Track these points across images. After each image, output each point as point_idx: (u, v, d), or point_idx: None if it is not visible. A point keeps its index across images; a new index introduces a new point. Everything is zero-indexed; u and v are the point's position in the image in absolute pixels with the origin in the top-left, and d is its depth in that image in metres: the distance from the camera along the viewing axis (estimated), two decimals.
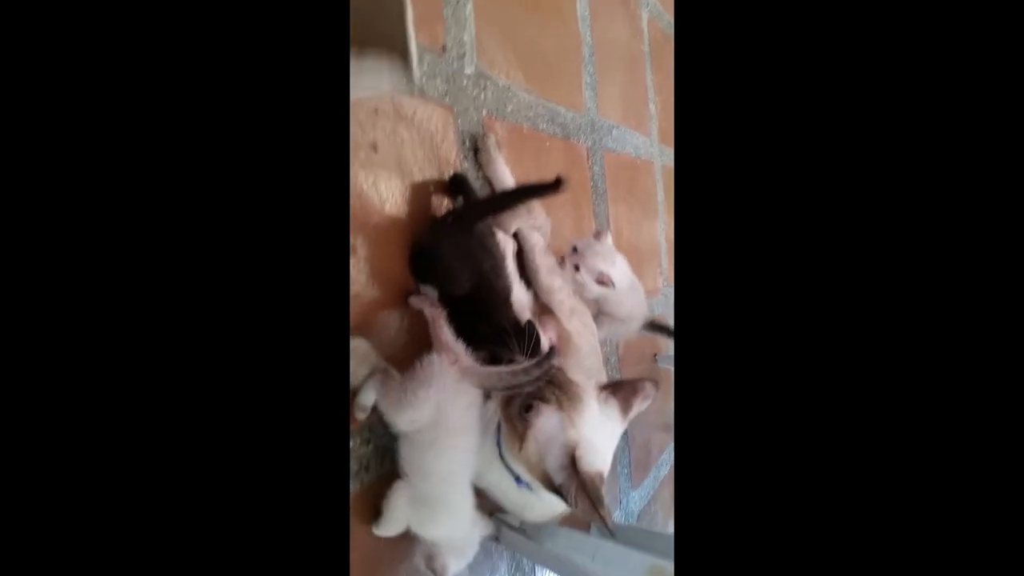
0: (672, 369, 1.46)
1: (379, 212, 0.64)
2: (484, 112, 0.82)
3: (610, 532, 0.52)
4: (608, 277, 0.83)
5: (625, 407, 0.61)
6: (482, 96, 0.82)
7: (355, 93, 0.38)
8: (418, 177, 0.69)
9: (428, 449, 0.56)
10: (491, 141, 0.77)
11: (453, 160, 0.75)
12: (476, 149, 0.78)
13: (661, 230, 1.50)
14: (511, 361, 0.59)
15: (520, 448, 0.54)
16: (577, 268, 0.83)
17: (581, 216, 1.08)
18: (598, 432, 0.56)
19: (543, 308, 0.80)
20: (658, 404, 1.42)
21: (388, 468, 0.63)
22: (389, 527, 0.59)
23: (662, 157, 1.52)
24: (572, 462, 0.52)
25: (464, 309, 0.67)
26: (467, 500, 0.61)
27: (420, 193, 0.69)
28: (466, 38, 0.80)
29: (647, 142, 1.44)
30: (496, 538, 0.80)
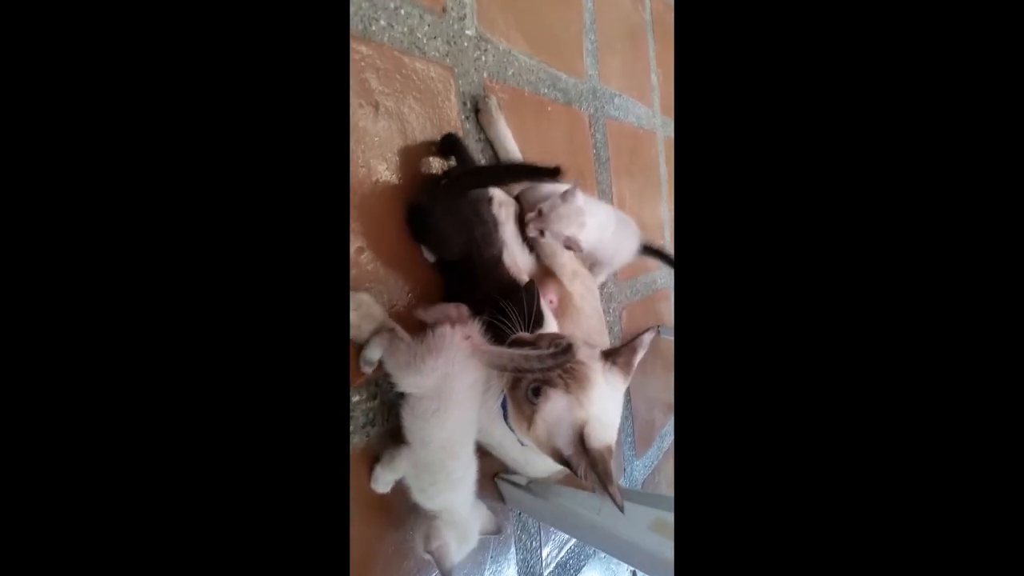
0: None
1: (380, 170, 0.64)
2: (485, 74, 0.81)
3: (619, 508, 0.53)
4: (575, 241, 0.77)
5: (627, 368, 0.61)
6: (483, 59, 0.81)
7: None
8: (419, 136, 0.69)
9: (429, 418, 0.56)
10: (493, 102, 0.77)
11: (454, 119, 0.75)
12: (477, 110, 0.78)
13: (664, 202, 1.49)
14: (510, 329, 0.60)
15: (528, 428, 0.55)
16: (542, 233, 0.77)
17: (585, 186, 1.07)
18: (605, 407, 0.56)
19: (545, 270, 0.80)
20: (661, 377, 1.44)
21: (395, 423, 0.64)
22: (380, 484, 0.61)
23: (664, 129, 1.51)
24: (581, 440, 0.53)
25: (456, 275, 0.68)
26: (469, 469, 0.62)
27: (421, 151, 0.69)
28: (467, 0, 0.79)
29: (649, 113, 1.43)
30: (502, 499, 0.81)
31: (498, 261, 0.69)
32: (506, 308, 0.61)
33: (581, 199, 0.77)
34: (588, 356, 0.57)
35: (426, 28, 0.72)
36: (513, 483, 0.79)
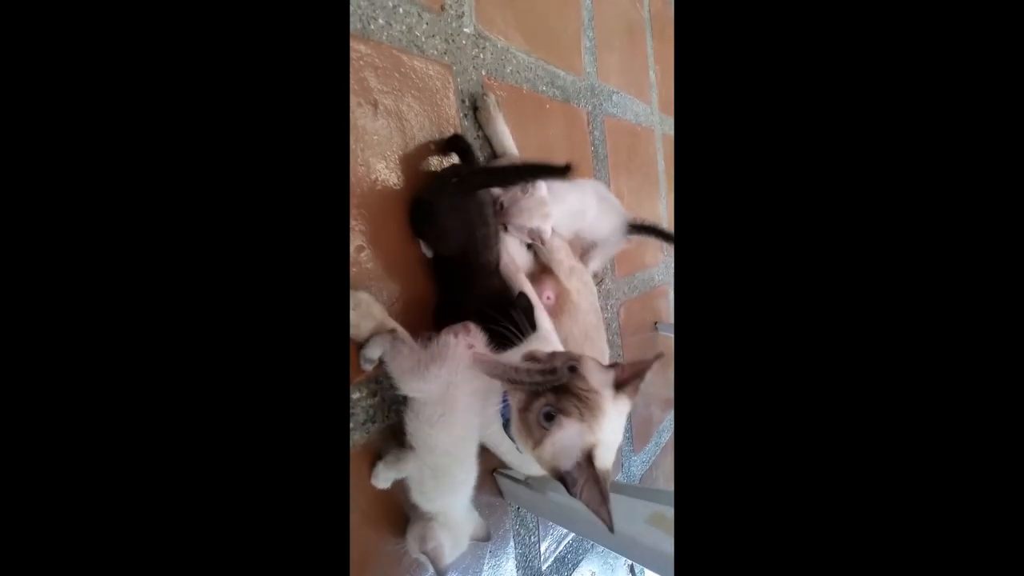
0: (673, 336, 1.47)
1: (379, 168, 0.65)
2: (483, 72, 0.82)
3: (609, 528, 0.54)
4: (538, 232, 0.74)
5: (634, 393, 0.62)
6: (481, 56, 0.82)
7: None
8: (418, 134, 0.70)
9: (435, 423, 0.57)
10: (491, 100, 0.77)
11: (453, 117, 0.75)
12: (475, 108, 0.78)
13: (663, 199, 1.50)
14: (509, 333, 0.61)
15: (534, 447, 0.55)
16: (505, 228, 0.75)
17: None
18: (613, 431, 0.58)
19: (543, 267, 0.81)
20: (659, 373, 1.44)
21: (394, 420, 0.65)
22: (380, 480, 0.62)
23: (663, 126, 1.51)
24: (588, 460, 0.54)
25: (450, 277, 0.69)
26: (471, 473, 0.63)
27: (420, 149, 0.70)
28: None
29: (647, 110, 1.43)
30: (500, 494, 0.82)
31: (494, 268, 0.69)
32: (500, 318, 0.62)
33: (544, 189, 0.74)
34: (601, 383, 0.58)
35: (424, 26, 0.72)
36: (511, 478, 0.80)
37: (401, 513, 0.65)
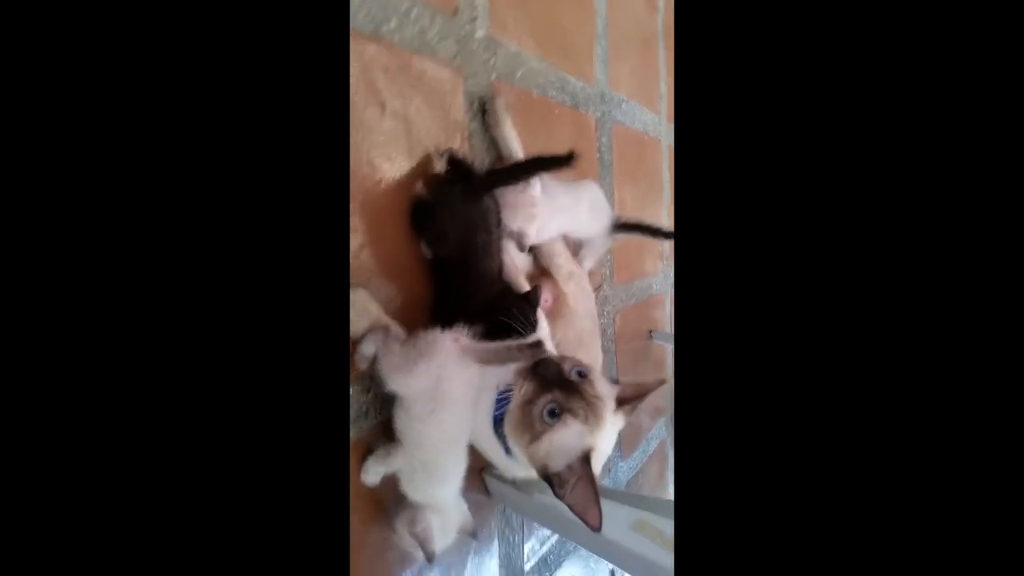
0: (667, 345, 1.48)
1: (384, 168, 0.66)
2: (493, 76, 0.83)
3: (596, 529, 0.56)
4: (518, 235, 0.74)
5: (630, 413, 0.65)
6: (492, 60, 0.83)
7: None
8: (424, 136, 0.71)
9: (426, 419, 0.58)
10: (500, 103, 0.78)
11: (461, 120, 0.76)
12: (484, 110, 0.79)
13: (665, 209, 1.51)
14: (517, 325, 0.62)
15: (530, 442, 0.56)
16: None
17: None
18: (605, 443, 0.60)
19: (542, 270, 0.82)
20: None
21: (387, 416, 0.66)
22: (370, 475, 0.63)
23: (670, 136, 1.52)
24: (585, 461, 0.55)
25: (451, 283, 0.69)
26: (460, 465, 0.64)
27: (426, 151, 0.71)
28: (478, 2, 0.80)
29: (656, 120, 1.44)
30: (488, 493, 0.83)
31: (496, 275, 0.70)
32: (503, 317, 0.63)
33: (537, 188, 0.73)
34: (607, 395, 0.60)
35: (437, 29, 0.73)
36: (499, 478, 0.81)
37: (389, 508, 0.66)
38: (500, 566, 0.87)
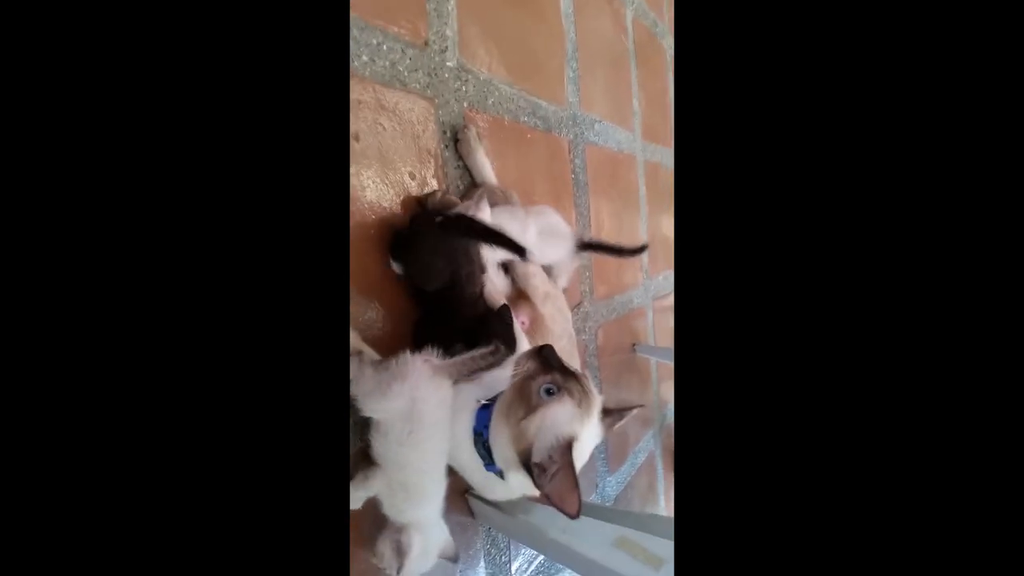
0: (651, 358, 1.50)
1: (360, 199, 0.67)
2: (465, 104, 0.85)
3: (572, 515, 0.57)
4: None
5: (608, 430, 0.67)
6: (463, 88, 0.85)
7: None
8: (398, 165, 0.72)
9: (403, 443, 0.59)
10: (472, 132, 0.80)
11: (434, 148, 0.78)
12: (456, 139, 0.81)
13: (643, 224, 1.54)
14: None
15: (523, 417, 0.58)
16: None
17: (562, 208, 1.11)
18: (588, 439, 0.61)
19: (520, 292, 0.83)
20: (636, 392, 1.47)
21: (366, 442, 0.66)
22: (352, 501, 0.63)
23: (645, 152, 1.56)
24: (568, 449, 0.57)
25: (433, 309, 0.71)
26: (441, 485, 0.65)
27: (399, 181, 0.72)
28: (448, 32, 0.82)
29: (630, 137, 1.47)
30: (472, 515, 0.83)
31: (479, 297, 0.72)
32: (484, 337, 0.65)
33: (487, 215, 0.73)
34: (597, 396, 0.63)
35: (408, 61, 0.75)
36: (483, 499, 0.81)
37: (370, 534, 0.66)
38: None
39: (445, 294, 0.69)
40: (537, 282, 0.84)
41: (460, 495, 0.81)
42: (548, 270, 0.93)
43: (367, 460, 0.64)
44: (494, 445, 0.63)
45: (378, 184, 0.69)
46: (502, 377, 0.64)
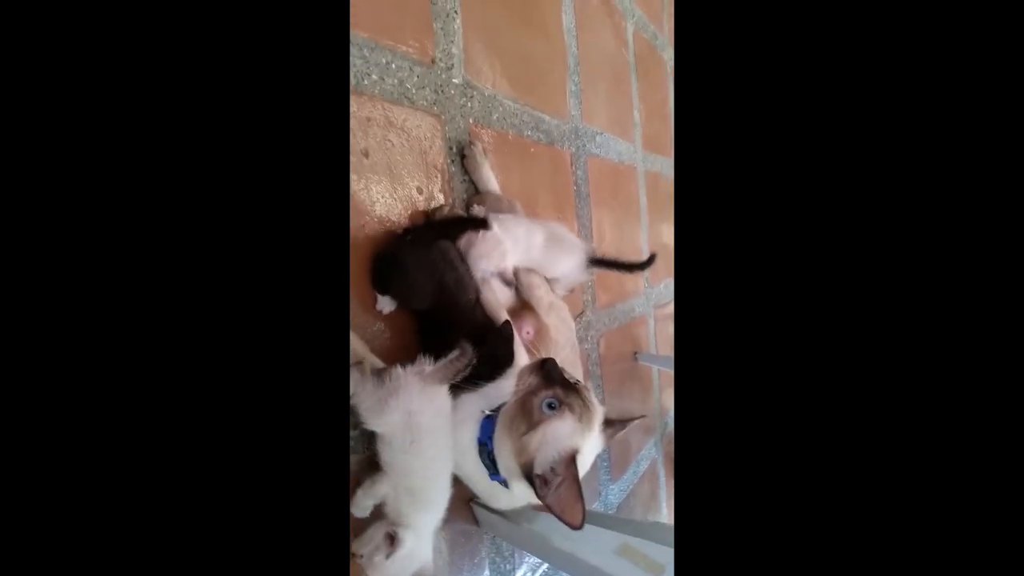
0: (653, 367, 1.51)
1: (369, 213, 0.69)
2: (471, 120, 0.87)
3: (576, 526, 0.58)
4: (505, 273, 0.79)
5: (609, 440, 0.69)
6: (469, 105, 0.87)
7: None
8: (407, 181, 0.74)
9: (407, 451, 0.61)
10: (477, 148, 0.82)
11: (440, 164, 0.80)
12: (463, 155, 0.83)
13: (644, 233, 1.55)
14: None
15: (525, 432, 0.60)
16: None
17: (564, 219, 1.13)
18: (589, 452, 0.63)
19: (523, 303, 0.85)
20: (638, 400, 1.48)
21: (373, 451, 0.68)
22: (359, 509, 0.65)
23: (646, 163, 1.58)
24: (571, 461, 0.58)
25: (430, 320, 0.72)
26: (445, 494, 0.67)
27: (408, 197, 0.74)
28: (454, 51, 0.85)
29: (631, 148, 1.49)
30: (476, 523, 0.85)
31: (476, 301, 0.73)
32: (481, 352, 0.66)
33: (495, 227, 0.75)
34: (599, 408, 0.64)
35: (415, 79, 0.77)
36: (488, 508, 0.83)
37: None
38: None
39: (439, 304, 0.70)
40: (541, 293, 0.85)
41: (465, 503, 0.83)
42: (552, 282, 0.95)
43: (374, 467, 0.66)
44: (498, 456, 0.65)
45: (387, 199, 0.71)
46: (506, 388, 0.66)
